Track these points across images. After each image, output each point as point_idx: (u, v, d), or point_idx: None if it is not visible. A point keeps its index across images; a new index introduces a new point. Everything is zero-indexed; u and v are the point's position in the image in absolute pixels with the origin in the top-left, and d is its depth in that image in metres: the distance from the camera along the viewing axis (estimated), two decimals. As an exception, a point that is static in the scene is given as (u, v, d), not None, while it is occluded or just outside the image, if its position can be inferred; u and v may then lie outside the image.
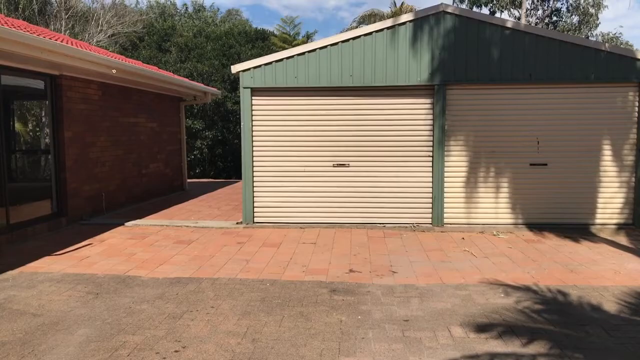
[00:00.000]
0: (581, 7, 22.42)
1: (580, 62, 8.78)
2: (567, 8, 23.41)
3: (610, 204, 9.09)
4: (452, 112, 9.10)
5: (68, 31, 24.23)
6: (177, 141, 14.89)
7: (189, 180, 16.98)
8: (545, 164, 9.07)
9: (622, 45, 18.83)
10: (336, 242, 7.96)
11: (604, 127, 8.97)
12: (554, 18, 23.45)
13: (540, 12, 23.49)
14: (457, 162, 9.17)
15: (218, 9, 46.08)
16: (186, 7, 37.09)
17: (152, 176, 13.05)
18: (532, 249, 7.53)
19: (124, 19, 25.56)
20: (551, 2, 23.73)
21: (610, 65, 8.76)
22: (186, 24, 32.24)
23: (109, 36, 25.34)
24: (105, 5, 26.80)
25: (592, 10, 22.22)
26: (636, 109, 8.91)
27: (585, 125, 8.99)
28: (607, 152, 9.01)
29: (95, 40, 24.56)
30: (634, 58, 8.73)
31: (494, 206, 9.21)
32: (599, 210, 9.09)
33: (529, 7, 23.32)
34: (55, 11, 24.69)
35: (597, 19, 22.44)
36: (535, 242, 8.02)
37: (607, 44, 8.99)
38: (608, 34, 20.19)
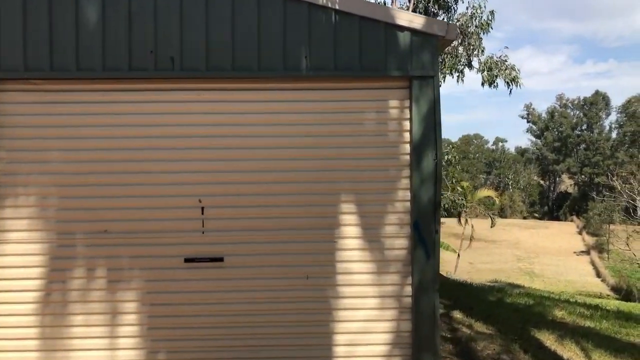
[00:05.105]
0: (462, 27, 18.59)
1: (281, 32, 3.96)
2: (448, 28, 19.62)
3: (361, 341, 4.11)
4: (8, 141, 4.00)
5: None
6: None
7: None
8: (220, 259, 4.04)
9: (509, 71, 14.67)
10: None
11: (344, 174, 4.10)
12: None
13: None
14: (18, 258, 3.98)
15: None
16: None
17: None
18: None
19: None
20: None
21: (346, 42, 3.98)
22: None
23: None
24: None
25: (473, 29, 18.38)
26: (407, 136, 4.11)
27: (305, 171, 4.09)
28: (351, 230, 4.11)
29: None
30: (394, 25, 3.98)
31: (108, 357, 4.04)
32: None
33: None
34: None
35: (481, 40, 18.68)
36: None
37: (338, -3, 4.19)
38: (492, 57, 16.01)
